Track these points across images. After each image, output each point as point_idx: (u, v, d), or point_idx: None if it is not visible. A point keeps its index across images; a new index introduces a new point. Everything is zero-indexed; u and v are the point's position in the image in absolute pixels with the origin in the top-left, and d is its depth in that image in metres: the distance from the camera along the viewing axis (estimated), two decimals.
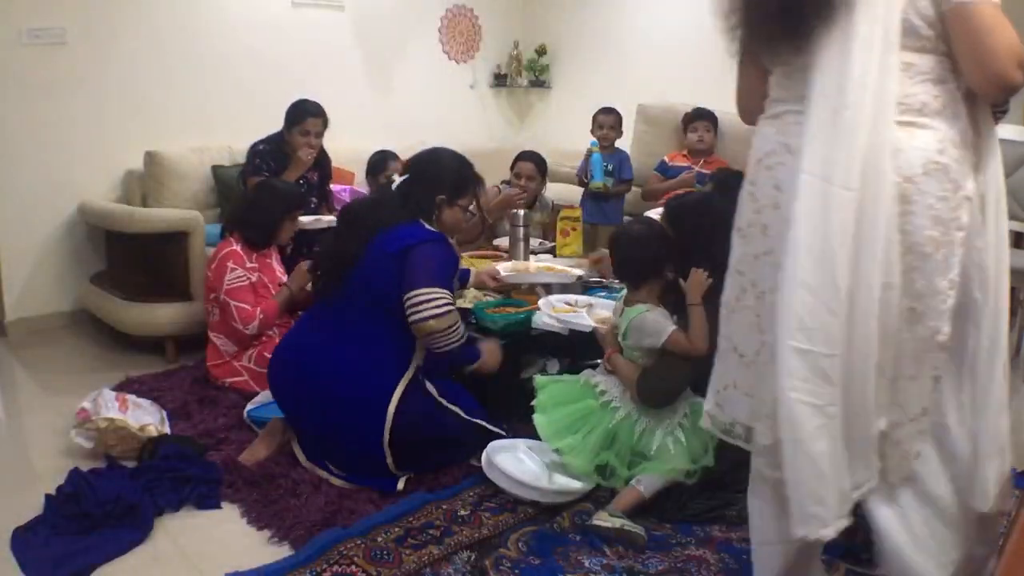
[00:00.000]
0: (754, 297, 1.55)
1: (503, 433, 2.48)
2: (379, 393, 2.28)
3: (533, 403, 2.39)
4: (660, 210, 3.78)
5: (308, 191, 3.67)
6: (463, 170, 2.51)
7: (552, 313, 2.70)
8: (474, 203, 2.55)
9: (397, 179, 2.46)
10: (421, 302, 2.25)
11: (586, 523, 2.14)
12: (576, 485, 2.24)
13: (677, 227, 2.40)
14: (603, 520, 2.10)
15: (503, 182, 4.10)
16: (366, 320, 2.35)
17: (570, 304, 2.80)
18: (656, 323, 2.28)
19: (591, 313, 2.73)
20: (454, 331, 2.32)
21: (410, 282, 2.27)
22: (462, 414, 2.42)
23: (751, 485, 1.66)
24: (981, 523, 1.51)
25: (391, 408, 2.26)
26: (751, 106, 1.64)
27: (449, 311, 2.29)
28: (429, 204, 2.43)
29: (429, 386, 2.38)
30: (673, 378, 2.26)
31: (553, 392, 2.40)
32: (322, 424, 2.37)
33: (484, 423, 2.47)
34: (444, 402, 2.39)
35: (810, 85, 1.37)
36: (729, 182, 3.02)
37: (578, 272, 3.13)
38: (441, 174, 2.46)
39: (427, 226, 2.42)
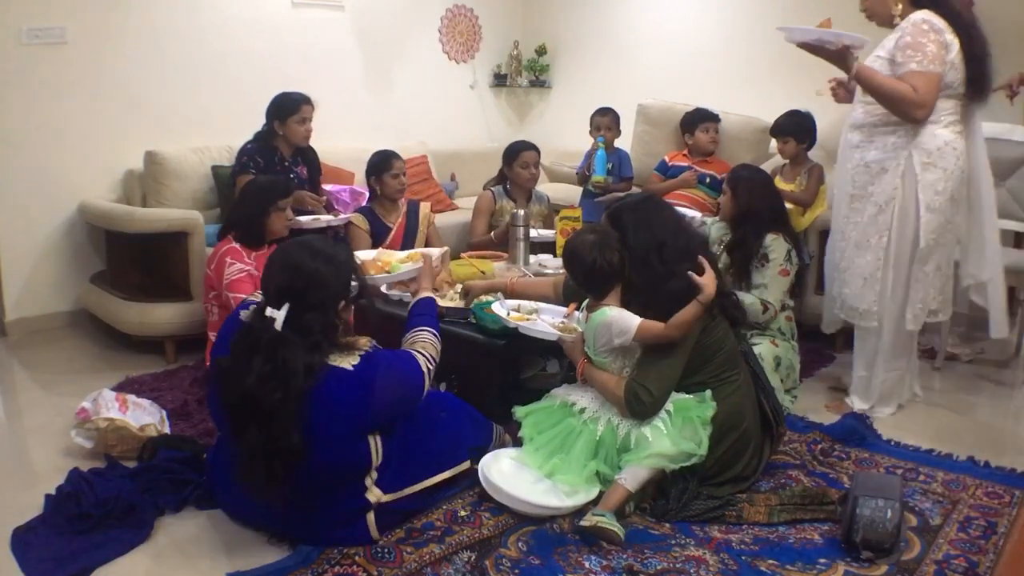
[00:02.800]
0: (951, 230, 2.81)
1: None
2: (358, 540, 2.06)
3: (520, 435, 2.36)
4: None
5: (299, 187, 3.65)
6: (336, 260, 2.02)
7: (512, 320, 2.58)
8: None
9: (278, 315, 1.88)
10: (429, 384, 2.16)
11: (575, 525, 2.15)
12: (584, 496, 2.23)
13: (621, 228, 2.37)
14: (585, 520, 2.11)
15: (495, 184, 4.11)
16: (313, 498, 2.02)
17: (516, 312, 2.68)
18: (621, 319, 2.26)
19: (538, 318, 2.63)
20: (437, 354, 2.23)
21: (411, 407, 2.13)
22: (442, 476, 2.23)
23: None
24: None
25: (373, 532, 2.07)
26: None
27: (435, 356, 2.21)
28: (331, 323, 1.99)
29: (399, 494, 2.12)
30: (661, 387, 2.24)
31: (535, 420, 2.37)
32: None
33: (464, 464, 2.30)
34: (420, 486, 2.17)
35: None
36: (742, 176, 3.04)
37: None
38: (328, 285, 1.97)
39: (342, 365, 1.95)
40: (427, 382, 2.15)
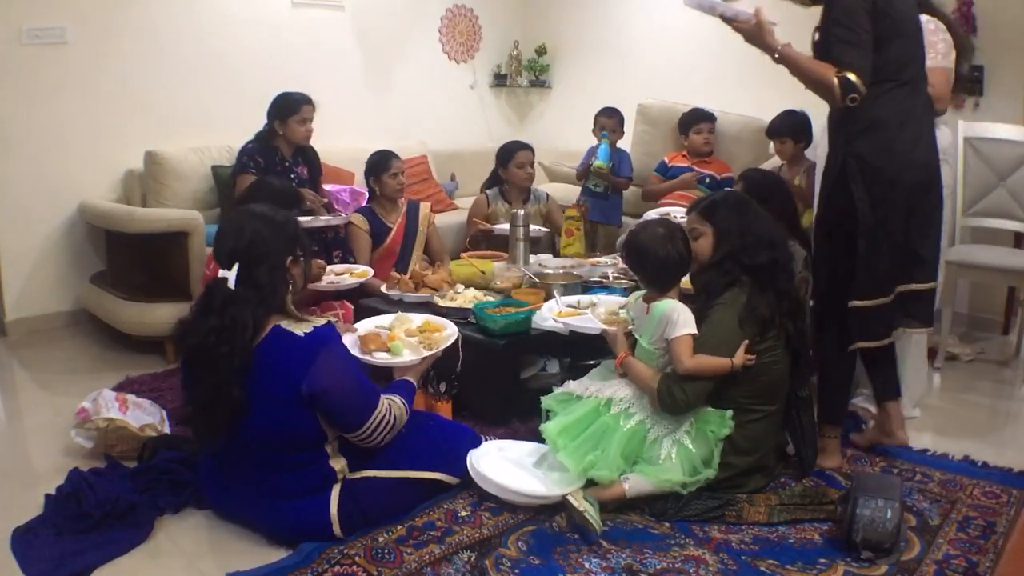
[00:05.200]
0: None
1: (453, 481, 2.29)
2: (318, 517, 2.07)
3: (557, 454, 2.28)
4: (660, 210, 3.82)
5: (299, 186, 3.66)
6: (274, 221, 2.10)
7: (556, 318, 2.68)
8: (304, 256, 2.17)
9: (230, 275, 2.00)
10: (370, 434, 2.07)
11: (564, 496, 2.15)
12: (570, 484, 2.22)
13: (713, 220, 2.38)
14: (576, 499, 2.12)
15: (489, 186, 4.12)
16: (273, 465, 2.07)
17: (573, 306, 2.78)
18: (681, 317, 2.26)
19: (595, 311, 2.72)
20: (399, 423, 2.16)
21: (347, 423, 2.05)
22: (410, 474, 2.20)
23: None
24: None
25: (335, 528, 2.07)
26: None
27: (394, 420, 2.12)
28: (281, 279, 2.06)
29: (363, 473, 2.13)
30: (695, 390, 2.24)
31: (567, 429, 2.31)
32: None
33: (433, 473, 2.24)
34: (385, 474, 2.16)
35: None
36: (754, 179, 3.03)
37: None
38: (270, 241, 2.05)
39: (293, 330, 2.03)
40: (377, 419, 2.07)
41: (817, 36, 2.34)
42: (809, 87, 2.28)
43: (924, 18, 2.64)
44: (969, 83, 2.82)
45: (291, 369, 1.98)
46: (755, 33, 2.29)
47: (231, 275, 2.00)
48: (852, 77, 2.16)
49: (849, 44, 2.18)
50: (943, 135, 2.76)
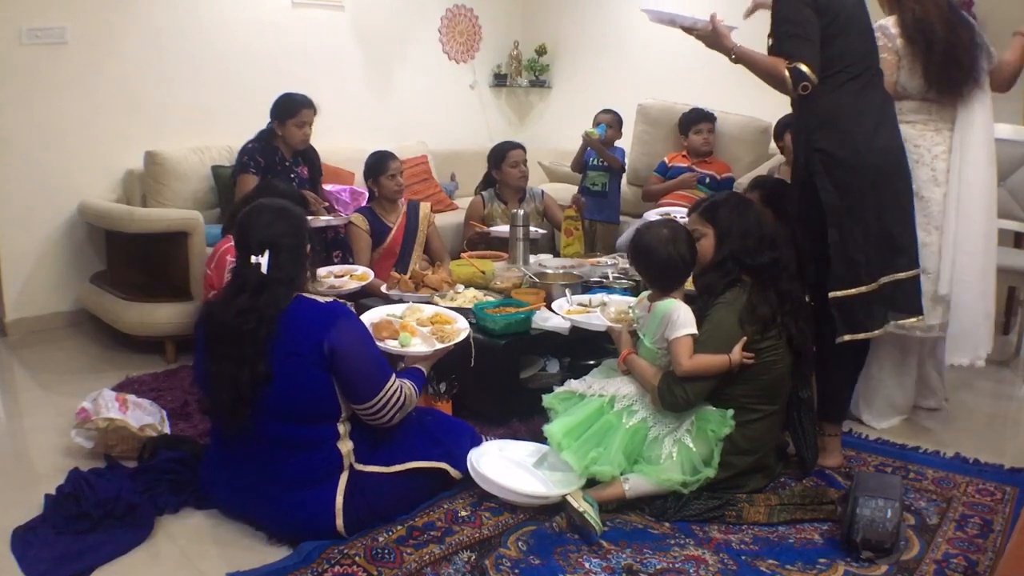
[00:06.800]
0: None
1: (456, 474, 2.30)
2: (322, 509, 2.09)
3: (561, 454, 2.28)
4: (660, 210, 3.82)
5: (299, 186, 3.66)
6: (299, 215, 2.23)
7: (564, 315, 2.69)
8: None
9: (263, 260, 2.07)
10: (381, 408, 2.10)
11: (564, 496, 2.16)
12: (570, 484, 2.22)
13: (714, 221, 2.38)
14: (575, 499, 2.12)
15: (484, 188, 4.13)
16: (286, 444, 2.10)
17: (584, 304, 2.79)
18: (682, 318, 2.26)
19: (605, 311, 2.71)
20: (409, 404, 2.19)
21: (360, 390, 2.08)
22: (415, 464, 2.22)
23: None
24: None
25: (338, 521, 2.09)
26: None
27: (405, 399, 2.15)
28: (302, 265, 2.17)
29: (369, 468, 2.15)
30: (696, 388, 2.24)
31: (569, 428, 2.31)
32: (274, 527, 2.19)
33: (438, 463, 2.27)
34: (391, 469, 2.18)
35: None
36: (771, 186, 3.02)
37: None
38: (290, 232, 2.14)
39: (316, 298, 2.15)
40: (388, 393, 2.10)
41: (771, 41, 2.44)
42: (765, 80, 2.40)
43: (875, 26, 2.62)
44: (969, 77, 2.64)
45: (314, 327, 2.06)
46: (712, 37, 2.44)
47: (264, 260, 2.08)
48: (803, 67, 2.29)
49: (796, 37, 2.32)
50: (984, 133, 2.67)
